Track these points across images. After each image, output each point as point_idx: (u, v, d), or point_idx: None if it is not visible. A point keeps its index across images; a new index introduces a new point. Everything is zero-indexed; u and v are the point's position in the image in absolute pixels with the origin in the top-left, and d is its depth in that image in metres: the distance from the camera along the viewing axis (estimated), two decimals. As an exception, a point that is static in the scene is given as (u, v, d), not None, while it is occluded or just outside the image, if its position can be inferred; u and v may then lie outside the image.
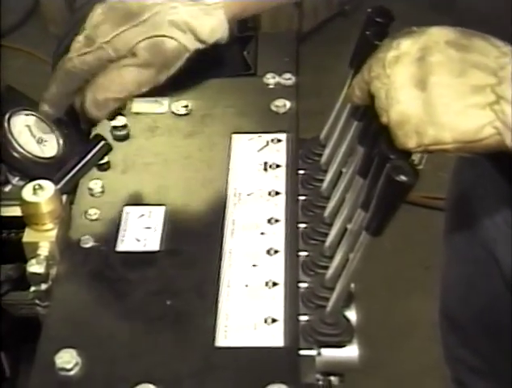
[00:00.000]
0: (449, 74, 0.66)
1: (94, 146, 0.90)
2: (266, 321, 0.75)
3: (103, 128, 0.94)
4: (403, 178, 0.66)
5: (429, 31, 0.69)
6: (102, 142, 0.90)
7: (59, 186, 0.85)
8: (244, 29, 1.15)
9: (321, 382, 0.78)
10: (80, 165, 0.88)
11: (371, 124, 0.73)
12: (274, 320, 0.75)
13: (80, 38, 0.82)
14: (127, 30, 0.81)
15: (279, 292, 0.77)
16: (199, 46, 0.85)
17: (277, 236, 0.82)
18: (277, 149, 0.92)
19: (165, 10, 0.82)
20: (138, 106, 0.97)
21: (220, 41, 0.88)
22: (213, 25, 0.84)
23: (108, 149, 0.90)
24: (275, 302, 0.77)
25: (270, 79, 1.00)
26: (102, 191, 0.88)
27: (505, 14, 0.80)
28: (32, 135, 0.91)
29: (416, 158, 0.69)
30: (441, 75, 0.66)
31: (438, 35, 0.68)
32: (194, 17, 0.83)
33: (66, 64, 0.82)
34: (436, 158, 0.69)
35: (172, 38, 0.82)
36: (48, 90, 0.85)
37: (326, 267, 0.78)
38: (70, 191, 0.88)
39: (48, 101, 0.86)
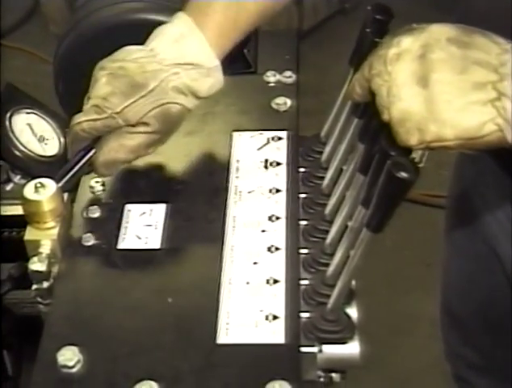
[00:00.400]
0: (450, 71, 0.66)
1: None
2: (267, 318, 0.75)
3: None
4: (404, 174, 0.66)
5: (429, 28, 0.69)
6: None
7: (60, 184, 0.85)
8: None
9: (322, 379, 0.78)
10: (81, 163, 0.88)
11: (372, 122, 0.73)
12: (275, 317, 0.75)
13: (88, 106, 0.84)
14: (136, 101, 0.83)
15: (280, 289, 0.78)
16: (197, 103, 0.88)
17: (278, 233, 0.83)
18: (277, 146, 0.92)
19: (169, 78, 0.84)
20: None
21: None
22: (211, 84, 0.87)
23: None
24: (276, 299, 0.77)
25: (271, 77, 1.00)
26: (104, 190, 0.88)
27: (505, 12, 0.80)
28: (34, 133, 0.91)
29: (417, 155, 0.69)
30: (442, 72, 0.66)
31: (439, 32, 0.68)
32: (194, 80, 0.85)
33: (75, 127, 0.84)
34: (437, 155, 0.70)
35: (177, 103, 0.85)
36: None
37: (327, 265, 0.79)
38: (72, 189, 0.88)
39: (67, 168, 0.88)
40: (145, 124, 0.84)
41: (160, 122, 0.84)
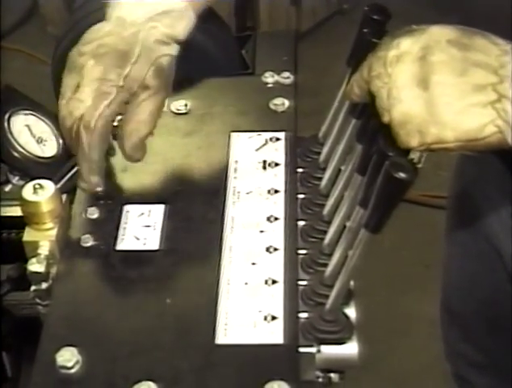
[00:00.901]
0: (451, 73, 0.66)
1: None
2: (265, 318, 0.75)
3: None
4: (402, 175, 0.66)
5: (429, 30, 0.69)
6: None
7: (59, 185, 0.85)
8: (242, 28, 1.15)
9: (320, 379, 0.78)
10: None
11: (370, 122, 0.73)
12: (273, 317, 0.75)
13: (87, 95, 0.82)
14: (132, 68, 0.83)
15: (279, 289, 0.78)
16: (178, 47, 0.88)
17: (276, 234, 0.83)
18: (276, 147, 0.92)
19: (148, 34, 0.84)
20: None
21: None
22: (187, 25, 0.87)
23: (109, 148, 0.90)
24: (275, 300, 0.77)
25: (269, 78, 1.00)
26: (102, 190, 0.88)
27: (506, 12, 0.81)
28: (32, 135, 0.91)
29: (415, 156, 0.70)
30: (443, 74, 0.66)
31: (439, 34, 0.68)
32: (171, 26, 0.86)
33: (98, 124, 0.82)
34: (435, 156, 0.70)
35: (165, 55, 0.85)
36: (90, 162, 0.83)
37: (325, 265, 0.79)
38: (70, 190, 0.88)
39: (94, 171, 0.84)
40: (147, 87, 0.84)
41: (158, 79, 0.84)
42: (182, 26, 0.87)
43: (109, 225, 0.85)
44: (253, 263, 0.80)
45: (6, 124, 0.89)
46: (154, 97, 0.85)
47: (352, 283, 0.78)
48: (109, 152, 0.88)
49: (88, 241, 0.84)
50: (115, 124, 0.85)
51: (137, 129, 0.84)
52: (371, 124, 0.72)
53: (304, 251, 0.82)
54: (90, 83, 0.82)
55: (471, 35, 0.68)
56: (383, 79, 0.68)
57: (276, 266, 0.80)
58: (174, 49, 0.86)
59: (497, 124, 0.65)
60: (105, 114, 0.82)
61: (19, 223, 0.85)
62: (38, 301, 0.83)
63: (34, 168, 0.88)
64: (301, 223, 0.85)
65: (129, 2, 0.86)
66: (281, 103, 0.97)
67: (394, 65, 0.68)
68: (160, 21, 0.85)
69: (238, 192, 0.87)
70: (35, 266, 0.81)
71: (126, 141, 0.85)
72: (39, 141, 0.91)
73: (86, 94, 0.82)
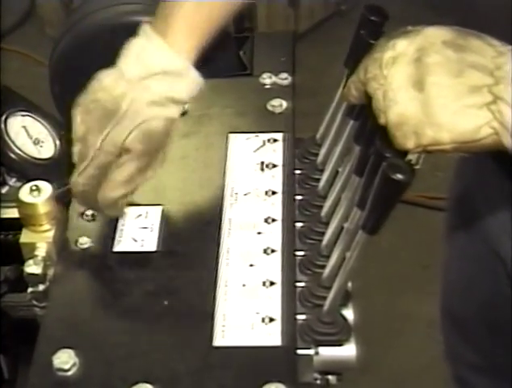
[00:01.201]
0: (446, 75, 0.66)
1: None
2: (263, 320, 0.75)
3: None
4: (399, 176, 0.66)
5: (425, 31, 0.69)
6: None
7: (56, 194, 0.84)
8: (240, 30, 1.15)
9: (318, 381, 0.78)
10: None
11: (367, 123, 0.73)
12: (271, 319, 0.75)
13: (75, 156, 0.82)
14: (111, 130, 0.80)
15: (277, 291, 0.78)
16: (183, 108, 0.85)
17: (274, 235, 0.83)
18: (273, 148, 0.92)
19: (140, 94, 0.80)
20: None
21: None
22: (189, 85, 0.82)
23: None
24: (273, 302, 0.77)
25: (267, 79, 1.00)
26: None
27: (505, 12, 0.80)
28: (29, 136, 0.91)
29: (413, 157, 0.69)
30: (438, 76, 0.66)
31: (435, 35, 0.68)
32: (169, 87, 0.81)
33: (76, 188, 0.82)
34: (433, 157, 0.70)
35: (156, 118, 0.80)
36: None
37: (323, 267, 0.79)
38: (67, 200, 0.87)
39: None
40: (128, 150, 0.80)
41: (143, 143, 0.80)
42: (182, 86, 0.82)
43: (106, 227, 0.85)
44: (251, 265, 0.80)
45: (2, 126, 0.88)
46: (137, 161, 0.81)
47: (350, 284, 0.78)
48: None
49: (85, 242, 0.84)
50: None
51: (112, 190, 0.81)
52: (369, 126, 0.72)
53: (301, 253, 0.82)
54: (75, 143, 0.81)
55: (466, 37, 0.68)
56: (379, 81, 0.68)
57: (274, 267, 0.80)
58: (171, 112, 0.81)
59: (493, 125, 0.65)
60: (81, 177, 0.81)
61: (17, 224, 0.85)
62: (35, 303, 0.82)
63: (31, 169, 0.88)
64: (299, 224, 0.85)
65: (131, 56, 0.81)
66: (279, 105, 0.96)
67: (390, 66, 0.68)
68: (155, 82, 0.80)
69: (236, 194, 0.87)
70: (32, 268, 0.81)
71: (100, 199, 0.82)
72: (36, 142, 0.91)
73: (74, 154, 0.82)
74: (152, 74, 0.80)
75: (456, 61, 0.66)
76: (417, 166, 0.69)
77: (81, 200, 0.84)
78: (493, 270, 1.03)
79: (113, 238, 0.84)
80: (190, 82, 0.82)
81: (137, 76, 0.80)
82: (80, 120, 0.81)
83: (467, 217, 1.07)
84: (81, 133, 0.81)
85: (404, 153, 0.68)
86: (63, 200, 0.87)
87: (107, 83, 0.80)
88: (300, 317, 0.76)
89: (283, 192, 0.87)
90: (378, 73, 0.68)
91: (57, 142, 0.91)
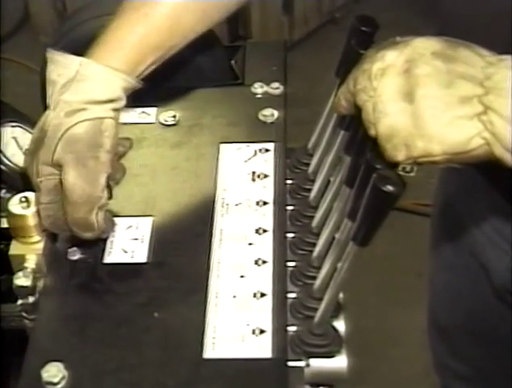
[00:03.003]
0: (436, 86, 0.66)
1: None
2: (254, 332, 0.75)
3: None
4: (390, 188, 0.66)
5: (414, 42, 0.68)
6: None
7: None
8: (235, 38, 1.15)
9: (310, 393, 0.77)
10: None
11: (358, 134, 0.73)
12: (262, 331, 0.75)
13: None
14: (40, 154, 0.80)
15: (267, 303, 0.77)
16: (113, 105, 0.82)
17: (265, 246, 0.82)
18: (265, 158, 0.92)
19: (57, 111, 0.81)
20: (125, 116, 0.96)
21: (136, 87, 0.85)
22: (102, 83, 0.82)
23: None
24: (263, 313, 0.76)
25: (258, 89, 1.00)
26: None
27: (487, 20, 0.80)
28: (19, 147, 0.91)
29: (407, 165, 0.69)
30: (428, 87, 0.66)
31: (424, 46, 0.68)
32: (77, 92, 0.81)
33: (43, 220, 0.83)
34: (427, 165, 0.69)
35: (77, 123, 0.80)
36: None
37: (314, 278, 0.78)
38: None
39: None
40: (60, 165, 0.80)
41: (72, 151, 0.79)
42: (99, 87, 0.81)
43: (96, 238, 0.84)
44: (242, 276, 0.80)
45: (-8, 136, 0.88)
46: (75, 172, 0.79)
47: (341, 295, 0.78)
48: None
49: (75, 254, 0.83)
50: None
51: (73, 211, 0.80)
52: (359, 137, 0.72)
53: (293, 264, 0.82)
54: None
55: (455, 47, 0.68)
56: (368, 93, 0.68)
57: (265, 279, 0.79)
58: (94, 112, 0.80)
59: (484, 136, 0.64)
60: (41, 209, 0.82)
61: (7, 235, 0.84)
62: (24, 315, 0.82)
63: (21, 181, 0.87)
64: (290, 235, 0.84)
65: (49, 88, 0.82)
66: (270, 114, 0.96)
67: (379, 78, 0.67)
68: (67, 93, 0.80)
69: (227, 204, 0.87)
70: (22, 280, 0.80)
71: (69, 223, 0.81)
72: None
73: None
74: (63, 88, 0.81)
75: (446, 71, 0.66)
76: (412, 174, 0.68)
77: (54, 229, 0.83)
78: (478, 280, 1.02)
79: (103, 250, 0.83)
80: (108, 81, 0.81)
81: (54, 97, 0.81)
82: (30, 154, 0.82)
83: (451, 229, 1.07)
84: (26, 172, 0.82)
85: (395, 164, 0.68)
86: None
87: (39, 123, 0.82)
88: (291, 328, 0.76)
89: (275, 203, 0.86)
90: (367, 84, 0.68)
91: (47, 153, 0.90)
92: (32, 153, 0.81)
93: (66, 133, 0.79)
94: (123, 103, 0.83)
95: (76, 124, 0.80)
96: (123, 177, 0.90)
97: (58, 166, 0.80)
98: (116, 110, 0.83)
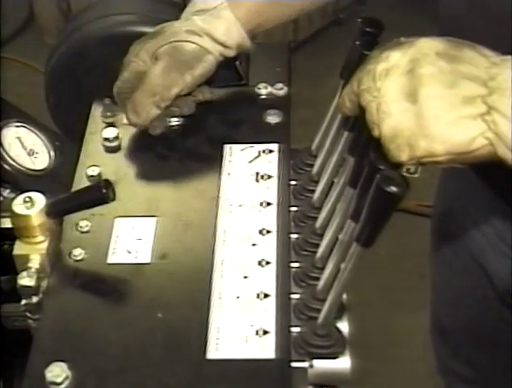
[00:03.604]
0: (440, 86, 0.66)
1: (95, 191, 0.84)
2: (257, 333, 0.75)
3: (96, 139, 0.94)
4: (393, 189, 0.66)
5: (418, 42, 0.68)
6: (104, 191, 0.82)
7: (48, 211, 0.84)
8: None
9: (313, 394, 0.77)
10: (74, 205, 0.85)
11: (362, 135, 0.72)
12: (265, 332, 0.75)
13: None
14: (149, 42, 0.92)
15: (271, 303, 0.77)
16: (222, 49, 0.92)
17: (268, 247, 0.82)
18: (269, 159, 0.92)
19: (181, 23, 0.93)
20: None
21: (246, 48, 0.94)
22: (226, 26, 0.92)
23: (105, 199, 0.83)
24: (267, 314, 0.76)
25: (263, 89, 1.00)
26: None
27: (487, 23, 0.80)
28: (23, 147, 0.91)
29: (411, 166, 0.69)
30: (432, 87, 0.66)
31: (428, 46, 0.68)
32: (207, 22, 0.92)
33: (114, 90, 0.94)
34: (431, 166, 0.69)
35: (190, 42, 0.91)
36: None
37: (318, 279, 0.78)
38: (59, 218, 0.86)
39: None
40: (157, 59, 0.90)
41: (171, 57, 0.90)
42: (222, 27, 0.92)
43: (100, 239, 0.84)
44: (245, 277, 0.80)
45: (-4, 137, 0.88)
46: (163, 72, 0.90)
47: (345, 296, 0.78)
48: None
49: (79, 254, 0.83)
50: None
51: (139, 95, 0.91)
52: (363, 138, 0.72)
53: (296, 265, 0.82)
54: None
55: (459, 47, 0.68)
56: (372, 93, 0.68)
57: (268, 279, 0.79)
58: (206, 43, 0.91)
59: (487, 136, 0.64)
60: (119, 81, 0.94)
61: (12, 235, 0.84)
62: (28, 314, 0.82)
63: (25, 181, 0.88)
64: (294, 236, 0.84)
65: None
66: (274, 115, 0.96)
67: (383, 78, 0.67)
68: (197, 15, 0.93)
69: (230, 205, 0.87)
70: (26, 280, 0.80)
71: (130, 102, 0.93)
72: (31, 153, 0.91)
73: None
74: (199, 11, 0.93)
75: (449, 72, 0.66)
76: (416, 175, 0.68)
77: (118, 101, 0.95)
78: (479, 283, 1.02)
79: (107, 250, 0.83)
80: (226, 23, 0.91)
81: (186, 14, 0.94)
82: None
83: (451, 232, 1.07)
84: (132, 50, 0.93)
85: (399, 165, 0.68)
86: (55, 212, 0.86)
87: (162, 24, 0.95)
88: (295, 329, 0.76)
89: (278, 204, 0.86)
90: (371, 85, 0.68)
91: (52, 153, 0.91)
92: (143, 40, 0.93)
93: (177, 42, 0.91)
94: (231, 53, 0.93)
95: (188, 41, 0.91)
96: (187, 113, 0.97)
97: (154, 59, 0.91)
98: (222, 55, 0.93)
